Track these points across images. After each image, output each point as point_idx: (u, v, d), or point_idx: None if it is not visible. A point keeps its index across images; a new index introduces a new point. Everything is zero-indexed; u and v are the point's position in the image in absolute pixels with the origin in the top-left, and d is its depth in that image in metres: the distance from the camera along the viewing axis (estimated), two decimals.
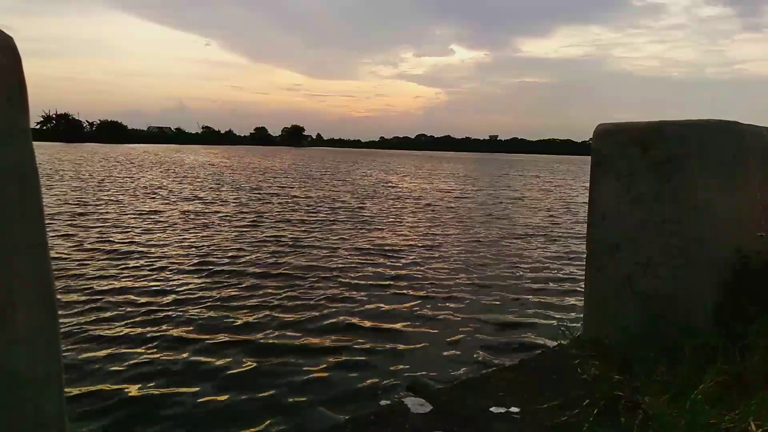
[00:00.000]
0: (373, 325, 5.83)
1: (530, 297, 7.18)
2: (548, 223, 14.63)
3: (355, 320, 5.98)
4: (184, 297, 6.62)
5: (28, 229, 1.12)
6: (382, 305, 6.57)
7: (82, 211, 13.61)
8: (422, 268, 8.60)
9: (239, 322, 5.78)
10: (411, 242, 11.00)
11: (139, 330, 5.43)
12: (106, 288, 6.85)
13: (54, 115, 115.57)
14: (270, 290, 7.04)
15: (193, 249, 9.51)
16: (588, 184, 2.99)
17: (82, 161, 37.80)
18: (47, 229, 1.21)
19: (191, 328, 5.56)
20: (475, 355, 5.10)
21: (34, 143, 1.14)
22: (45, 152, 47.25)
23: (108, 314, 5.86)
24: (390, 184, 27.32)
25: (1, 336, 1.08)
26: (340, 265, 8.60)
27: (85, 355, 4.76)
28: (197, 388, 4.22)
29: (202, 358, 4.80)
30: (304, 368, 4.68)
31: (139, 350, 4.93)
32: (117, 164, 35.74)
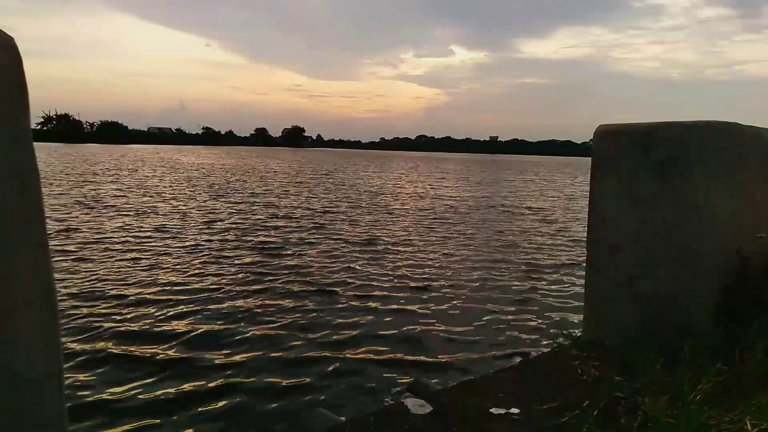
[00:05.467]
0: (372, 326, 5.83)
1: (530, 298, 7.18)
2: (548, 225, 14.63)
3: (354, 322, 5.98)
4: (183, 299, 6.63)
5: (28, 229, 1.12)
6: (381, 307, 6.57)
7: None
8: (422, 271, 8.60)
9: (239, 324, 5.78)
10: (411, 245, 11.00)
11: (138, 332, 5.43)
12: (105, 283, 6.85)
13: (54, 116, 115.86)
14: (269, 294, 7.04)
15: (193, 247, 9.52)
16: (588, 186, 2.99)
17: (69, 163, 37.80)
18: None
19: (191, 330, 5.56)
20: (475, 356, 5.09)
21: (35, 144, 1.14)
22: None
23: (110, 314, 5.86)
24: (389, 188, 27.37)
25: (1, 336, 1.08)
26: (338, 267, 8.60)
27: (86, 356, 4.76)
28: (198, 390, 4.23)
29: (202, 361, 4.80)
30: (305, 369, 4.69)
31: (138, 350, 4.93)
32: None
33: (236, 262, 8.58)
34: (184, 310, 6.10)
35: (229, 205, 16.26)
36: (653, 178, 2.60)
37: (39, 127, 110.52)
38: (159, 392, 4.15)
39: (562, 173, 51.85)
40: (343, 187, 25.33)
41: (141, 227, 11.62)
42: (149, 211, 14.29)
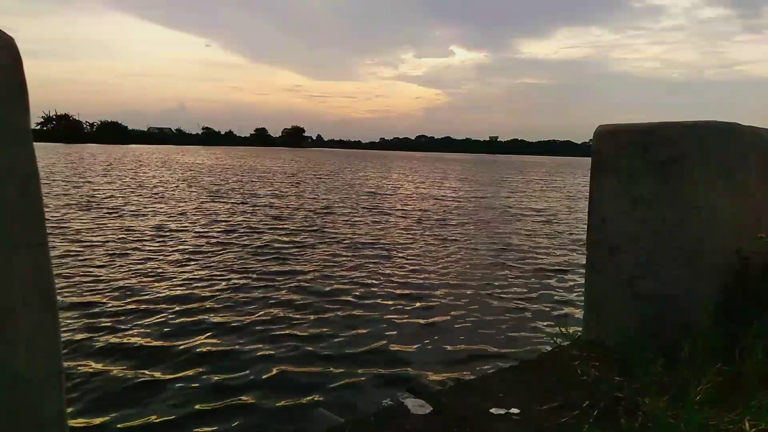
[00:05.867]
0: (372, 327, 5.83)
1: (530, 299, 7.18)
2: (548, 226, 14.64)
3: (354, 322, 5.98)
4: (185, 299, 6.63)
5: (28, 229, 1.12)
6: (382, 308, 6.57)
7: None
8: (422, 272, 8.60)
9: (240, 326, 5.78)
10: (411, 246, 11.00)
11: (134, 338, 5.42)
12: (110, 284, 6.85)
13: (54, 116, 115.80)
14: (269, 296, 7.04)
15: (191, 250, 9.52)
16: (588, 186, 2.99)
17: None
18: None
19: (190, 330, 5.56)
20: (475, 357, 5.09)
21: (35, 144, 1.14)
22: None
23: (110, 316, 5.86)
24: (389, 189, 27.39)
25: (2, 336, 1.08)
26: (338, 269, 8.61)
27: (86, 355, 4.75)
28: (198, 391, 4.22)
29: (202, 362, 4.80)
30: (304, 370, 4.68)
31: (138, 350, 4.93)
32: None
33: (235, 267, 8.54)
34: (182, 317, 6.05)
35: (229, 206, 16.25)
36: (653, 178, 2.60)
37: (39, 127, 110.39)
38: (158, 392, 4.15)
39: (562, 173, 51.84)
40: (343, 188, 25.32)
41: (139, 228, 11.61)
42: (148, 211, 14.28)
